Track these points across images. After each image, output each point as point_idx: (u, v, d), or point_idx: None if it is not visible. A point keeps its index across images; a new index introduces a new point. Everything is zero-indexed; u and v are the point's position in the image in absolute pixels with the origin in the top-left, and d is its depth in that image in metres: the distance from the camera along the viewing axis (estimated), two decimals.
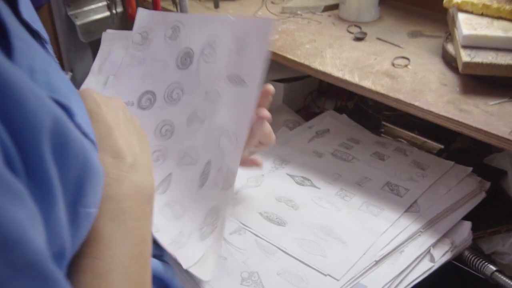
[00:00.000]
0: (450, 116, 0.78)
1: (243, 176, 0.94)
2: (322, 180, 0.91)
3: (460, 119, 0.78)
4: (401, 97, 0.83)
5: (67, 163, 0.38)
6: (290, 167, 0.95)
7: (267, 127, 0.77)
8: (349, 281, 0.74)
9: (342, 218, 0.84)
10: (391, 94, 0.84)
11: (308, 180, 0.92)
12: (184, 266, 0.66)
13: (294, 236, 0.81)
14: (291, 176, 0.93)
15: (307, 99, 1.19)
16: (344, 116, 1.08)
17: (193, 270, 0.67)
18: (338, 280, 0.74)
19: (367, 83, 0.87)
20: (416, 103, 0.82)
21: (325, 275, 0.75)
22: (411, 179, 0.89)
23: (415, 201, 0.85)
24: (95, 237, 0.45)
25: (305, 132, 1.04)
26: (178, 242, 0.66)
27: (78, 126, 0.43)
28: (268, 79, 1.15)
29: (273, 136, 0.78)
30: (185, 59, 0.70)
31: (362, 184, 0.90)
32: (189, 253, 0.66)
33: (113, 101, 0.56)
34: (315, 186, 0.90)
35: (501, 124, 0.76)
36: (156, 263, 0.63)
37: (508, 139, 0.74)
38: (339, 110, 1.10)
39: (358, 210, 0.85)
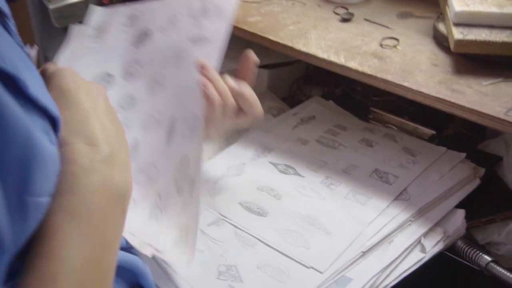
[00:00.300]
0: (441, 96, 0.73)
1: (223, 165, 0.89)
2: (306, 168, 0.86)
3: (452, 100, 0.73)
4: (389, 77, 0.78)
5: (3, 144, 0.33)
6: (273, 155, 0.90)
7: (248, 91, 0.69)
8: (333, 273, 0.69)
9: (327, 207, 0.79)
10: (379, 75, 0.79)
11: (292, 168, 0.86)
12: (162, 251, 0.61)
13: (276, 227, 0.76)
14: (274, 164, 0.88)
15: (293, 87, 1.14)
16: (331, 102, 1.03)
17: (170, 255, 0.61)
18: (321, 272, 0.69)
19: (353, 64, 0.81)
20: (405, 84, 0.76)
21: (308, 267, 0.70)
22: (401, 166, 0.84)
23: (405, 189, 0.80)
24: (48, 234, 0.39)
25: (290, 119, 0.98)
26: (158, 207, 0.63)
27: (34, 99, 0.37)
28: None
29: (258, 106, 0.69)
30: (142, 37, 0.67)
31: (349, 171, 0.84)
32: (167, 227, 0.61)
33: (94, 86, 0.49)
34: (299, 175, 0.85)
35: (495, 104, 0.71)
36: (126, 256, 0.57)
37: (503, 120, 0.69)
38: (325, 97, 1.05)
39: (344, 199, 0.80)
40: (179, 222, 0.61)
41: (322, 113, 0.99)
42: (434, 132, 0.93)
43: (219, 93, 0.65)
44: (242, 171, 0.88)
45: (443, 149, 0.87)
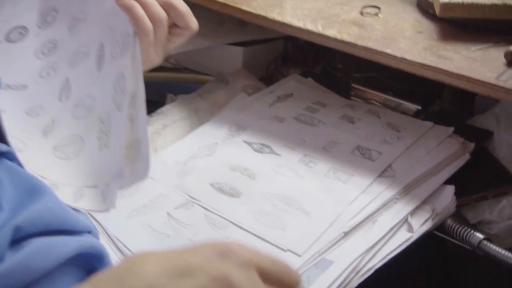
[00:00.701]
0: (427, 63, 0.68)
1: (193, 146, 0.83)
2: (283, 146, 0.80)
3: (439, 65, 0.67)
4: (370, 45, 0.72)
5: None
6: (248, 133, 0.83)
7: (181, 4, 0.63)
8: (312, 256, 0.63)
9: (306, 186, 0.72)
10: (359, 43, 0.73)
11: (268, 147, 0.80)
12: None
13: (250, 208, 0.70)
14: (249, 143, 0.81)
15: (270, 66, 1.07)
16: (310, 80, 0.96)
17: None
18: (299, 255, 0.63)
19: (331, 32, 0.75)
20: (388, 51, 0.71)
21: (285, 250, 0.64)
22: (385, 142, 0.78)
23: (390, 165, 0.74)
24: None
25: (266, 97, 0.92)
26: (103, 132, 0.59)
27: None
28: (225, 42, 1.03)
29: (191, 17, 0.64)
30: None
31: (329, 149, 0.78)
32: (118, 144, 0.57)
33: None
34: (275, 153, 0.78)
35: (485, 70, 0.66)
36: (81, 241, 0.50)
37: (494, 85, 0.63)
38: (304, 75, 0.99)
39: (324, 177, 0.73)
40: (128, 138, 0.57)
41: (301, 91, 0.92)
42: (419, 107, 0.87)
43: (145, 7, 0.59)
44: (214, 151, 0.81)
45: (430, 123, 0.81)
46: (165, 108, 0.92)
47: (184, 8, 0.62)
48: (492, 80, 0.63)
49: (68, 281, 0.46)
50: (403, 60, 0.69)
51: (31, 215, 0.46)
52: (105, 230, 0.68)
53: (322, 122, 0.84)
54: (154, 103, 0.93)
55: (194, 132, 0.86)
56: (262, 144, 0.80)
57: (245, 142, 0.81)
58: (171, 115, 0.91)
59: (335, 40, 0.74)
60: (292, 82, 0.94)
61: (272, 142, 0.80)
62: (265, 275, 0.40)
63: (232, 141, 0.82)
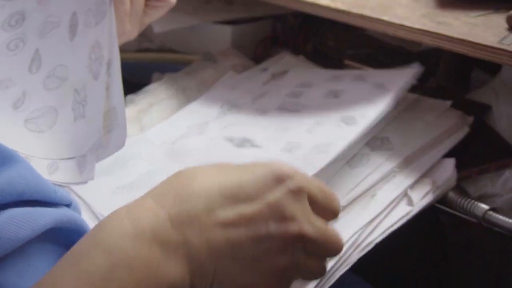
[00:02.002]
0: (427, 28, 0.64)
1: (183, 125, 0.78)
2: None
3: (440, 31, 0.63)
4: (366, 12, 0.68)
5: None
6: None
7: None
8: None
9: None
10: (354, 10, 0.69)
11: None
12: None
13: None
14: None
15: (258, 47, 1.03)
16: (302, 57, 0.92)
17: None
18: None
19: (324, 1, 0.71)
20: (385, 18, 0.67)
21: None
22: (370, 103, 0.73)
23: (387, 138, 0.70)
24: None
25: (259, 75, 0.87)
26: (78, 103, 0.57)
27: None
28: (213, 20, 0.99)
29: None
30: None
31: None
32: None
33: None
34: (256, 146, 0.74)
35: (488, 35, 0.63)
36: (59, 213, 0.45)
37: (498, 48, 0.60)
38: (295, 53, 0.95)
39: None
40: (105, 107, 0.56)
41: (295, 67, 0.88)
42: (414, 83, 0.83)
43: None
44: (205, 129, 0.77)
45: (427, 98, 0.77)
46: (151, 87, 0.88)
47: None
48: (495, 44, 0.60)
49: (44, 257, 0.42)
50: (401, 26, 0.65)
51: (2, 181, 0.41)
52: (89, 207, 0.63)
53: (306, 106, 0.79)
54: (139, 86, 0.89)
55: (182, 111, 0.82)
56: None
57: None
58: (158, 94, 0.86)
59: (328, 8, 0.71)
60: (286, 59, 0.90)
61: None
62: (313, 201, 0.41)
63: (224, 119, 0.78)
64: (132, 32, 0.62)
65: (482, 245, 0.75)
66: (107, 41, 0.57)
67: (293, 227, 0.40)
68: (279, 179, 0.40)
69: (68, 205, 0.48)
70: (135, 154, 0.73)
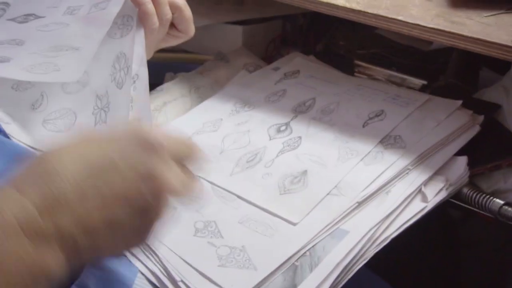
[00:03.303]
0: (441, 28, 0.64)
1: (198, 121, 0.78)
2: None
3: (454, 30, 0.63)
4: (381, 12, 0.68)
5: None
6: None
7: (184, 3, 0.63)
8: (327, 226, 0.59)
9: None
10: (369, 11, 0.69)
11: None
12: None
13: (258, 183, 0.65)
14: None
15: (269, 47, 1.03)
16: (312, 57, 0.92)
17: None
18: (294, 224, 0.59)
19: (340, 1, 0.71)
20: (400, 18, 0.67)
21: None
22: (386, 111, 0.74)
23: (399, 136, 0.70)
24: None
25: (271, 74, 0.87)
26: (100, 108, 0.57)
27: None
28: (224, 21, 0.99)
29: (192, 23, 0.65)
30: None
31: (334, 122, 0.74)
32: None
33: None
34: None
35: (502, 33, 0.62)
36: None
37: None
38: (306, 53, 0.94)
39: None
40: (130, 116, 0.56)
41: (307, 68, 0.88)
42: (425, 82, 0.83)
43: (156, 4, 0.60)
44: (219, 126, 0.77)
45: (438, 98, 0.77)
46: (164, 86, 0.88)
47: (189, 13, 0.63)
48: (509, 43, 0.60)
49: None
50: (416, 26, 0.65)
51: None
52: None
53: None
54: (153, 85, 0.89)
55: (197, 108, 0.82)
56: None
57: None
58: (172, 92, 0.86)
59: (344, 8, 0.70)
60: (298, 59, 0.90)
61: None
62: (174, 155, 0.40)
63: (238, 117, 0.78)
64: (148, 54, 0.63)
65: (489, 241, 0.75)
66: (134, 56, 0.57)
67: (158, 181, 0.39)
68: (145, 148, 0.39)
69: None
70: None
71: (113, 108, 0.57)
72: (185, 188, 0.40)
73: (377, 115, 0.74)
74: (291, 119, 0.76)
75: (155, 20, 0.59)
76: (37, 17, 0.49)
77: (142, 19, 0.58)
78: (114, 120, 0.57)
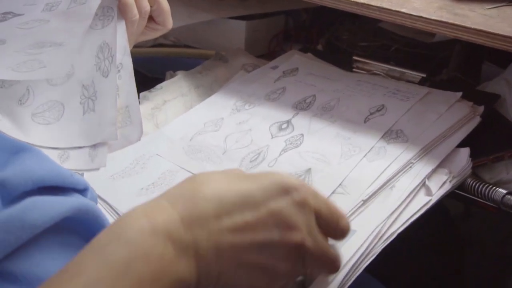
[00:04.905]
0: (444, 20, 0.62)
1: (199, 121, 0.76)
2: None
3: (457, 22, 0.61)
4: (384, 5, 0.66)
5: None
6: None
7: (165, 1, 0.63)
8: None
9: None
10: (373, 3, 0.67)
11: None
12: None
13: None
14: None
15: (272, 42, 1.01)
16: (310, 55, 0.89)
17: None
18: None
19: None
20: (403, 10, 0.64)
21: None
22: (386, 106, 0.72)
23: (401, 130, 0.68)
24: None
25: (270, 72, 0.85)
26: (87, 97, 0.56)
27: None
28: (226, 16, 0.96)
29: (170, 18, 0.64)
30: None
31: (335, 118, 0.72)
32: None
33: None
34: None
35: (504, 25, 0.60)
36: (78, 203, 0.43)
37: None
38: (304, 50, 0.92)
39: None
40: (117, 104, 0.56)
41: (305, 65, 0.85)
42: (424, 75, 0.81)
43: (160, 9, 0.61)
44: (221, 126, 0.75)
45: (437, 90, 0.75)
46: (164, 84, 0.85)
47: (166, 6, 0.62)
48: None
49: (61, 247, 0.41)
50: (419, 18, 0.63)
51: (19, 169, 0.40)
52: (115, 210, 0.61)
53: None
54: (154, 80, 0.87)
55: (197, 107, 0.80)
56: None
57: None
58: (172, 91, 0.84)
59: (348, 2, 0.68)
60: (295, 57, 0.88)
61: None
62: (318, 215, 0.42)
63: (239, 116, 0.75)
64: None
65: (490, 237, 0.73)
66: (117, 45, 0.56)
67: (295, 236, 0.40)
68: (285, 190, 0.41)
69: (85, 190, 0.47)
70: (153, 152, 0.71)
71: (100, 96, 0.56)
72: (318, 251, 0.41)
73: (378, 110, 0.72)
74: (292, 117, 0.73)
75: (135, 11, 0.58)
76: (15, 15, 0.47)
77: (122, 11, 0.57)
78: (102, 108, 0.56)
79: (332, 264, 0.44)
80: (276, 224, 0.40)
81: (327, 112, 0.73)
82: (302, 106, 0.75)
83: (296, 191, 0.41)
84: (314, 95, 0.77)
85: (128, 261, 0.36)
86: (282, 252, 0.40)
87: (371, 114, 0.72)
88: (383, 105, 0.72)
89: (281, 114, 0.74)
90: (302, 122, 0.72)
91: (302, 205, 0.41)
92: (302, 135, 0.70)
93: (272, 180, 0.41)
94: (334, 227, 0.44)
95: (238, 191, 0.40)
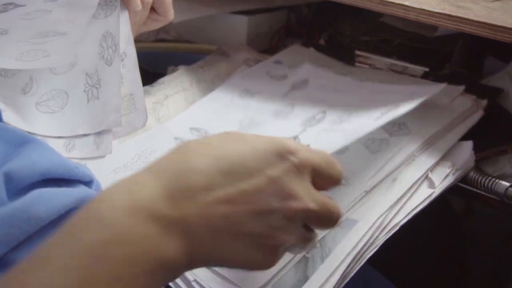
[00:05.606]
0: (446, 12, 0.61)
1: (202, 116, 0.75)
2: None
3: (460, 14, 0.60)
4: None
5: None
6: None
7: None
8: None
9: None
10: None
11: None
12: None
13: None
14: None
15: (274, 37, 1.00)
16: (312, 49, 0.88)
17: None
18: None
19: None
20: (406, 3, 0.63)
21: None
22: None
23: (404, 123, 0.67)
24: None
25: (273, 67, 0.83)
26: (91, 86, 0.55)
27: None
28: (229, 11, 0.96)
29: (171, 9, 0.63)
30: None
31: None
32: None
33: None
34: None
35: (508, 17, 0.59)
36: (82, 193, 0.43)
37: None
38: (306, 45, 0.91)
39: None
40: (121, 92, 0.56)
41: (315, 75, 0.83)
42: (427, 69, 0.80)
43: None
44: (224, 120, 0.74)
45: (440, 84, 0.73)
46: (166, 78, 0.84)
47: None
48: None
49: None
50: (422, 11, 0.62)
51: (24, 162, 0.40)
52: None
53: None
54: (155, 75, 0.86)
55: (200, 102, 0.79)
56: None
57: None
58: (173, 86, 0.83)
59: None
60: (297, 52, 0.86)
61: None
62: (317, 171, 0.39)
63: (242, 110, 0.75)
64: None
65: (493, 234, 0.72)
66: (121, 34, 0.56)
67: (296, 204, 0.37)
68: (282, 154, 0.37)
69: (90, 182, 0.46)
70: (155, 147, 0.70)
71: (104, 84, 0.56)
72: (321, 210, 0.38)
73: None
74: (300, 133, 0.71)
75: (138, 2, 0.57)
76: (16, 5, 0.46)
77: (125, 2, 0.57)
78: (106, 96, 0.55)
79: (336, 214, 0.39)
80: (274, 192, 0.36)
81: (337, 125, 0.69)
82: (311, 123, 0.71)
83: (293, 154, 0.37)
84: (325, 111, 0.72)
85: (104, 245, 0.32)
86: (283, 222, 0.37)
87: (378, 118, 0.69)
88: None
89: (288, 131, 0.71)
90: (309, 137, 0.69)
91: (300, 168, 0.37)
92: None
93: (267, 144, 0.37)
94: (332, 176, 0.40)
95: (229, 158, 0.36)
